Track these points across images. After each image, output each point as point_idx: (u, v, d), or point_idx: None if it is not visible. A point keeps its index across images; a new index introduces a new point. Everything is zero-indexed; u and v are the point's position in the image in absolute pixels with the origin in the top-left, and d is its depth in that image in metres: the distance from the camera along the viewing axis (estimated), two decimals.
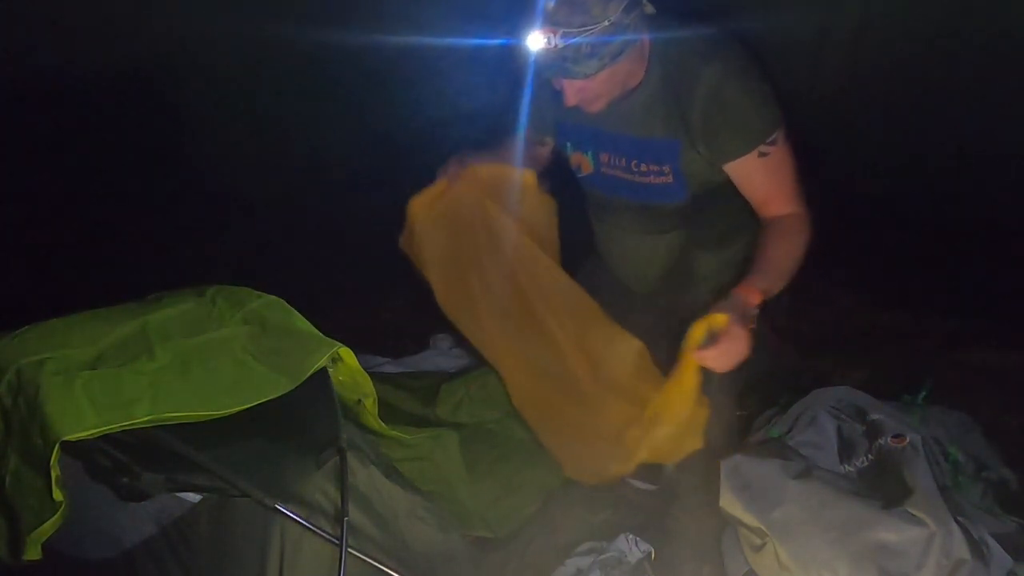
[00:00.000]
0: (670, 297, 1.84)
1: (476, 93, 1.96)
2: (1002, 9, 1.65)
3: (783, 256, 1.60)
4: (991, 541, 1.30)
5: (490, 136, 1.85)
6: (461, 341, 2.02)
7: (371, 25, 2.43)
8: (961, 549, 1.26)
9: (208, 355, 1.32)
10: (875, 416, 1.53)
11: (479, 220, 1.79)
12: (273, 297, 1.49)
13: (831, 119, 1.76)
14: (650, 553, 1.59)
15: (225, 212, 2.65)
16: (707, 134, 1.59)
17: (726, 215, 1.75)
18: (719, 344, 1.42)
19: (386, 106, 2.68)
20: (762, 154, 1.58)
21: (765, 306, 1.55)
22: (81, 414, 1.15)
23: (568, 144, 1.84)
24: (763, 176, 1.61)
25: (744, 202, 1.70)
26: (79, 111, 2.29)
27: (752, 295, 1.50)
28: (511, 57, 1.73)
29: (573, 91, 1.57)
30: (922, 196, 2.28)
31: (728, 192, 1.70)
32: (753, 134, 1.57)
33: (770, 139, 1.57)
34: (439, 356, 2.25)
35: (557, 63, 1.48)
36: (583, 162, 1.83)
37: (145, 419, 1.18)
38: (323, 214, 2.86)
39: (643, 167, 1.69)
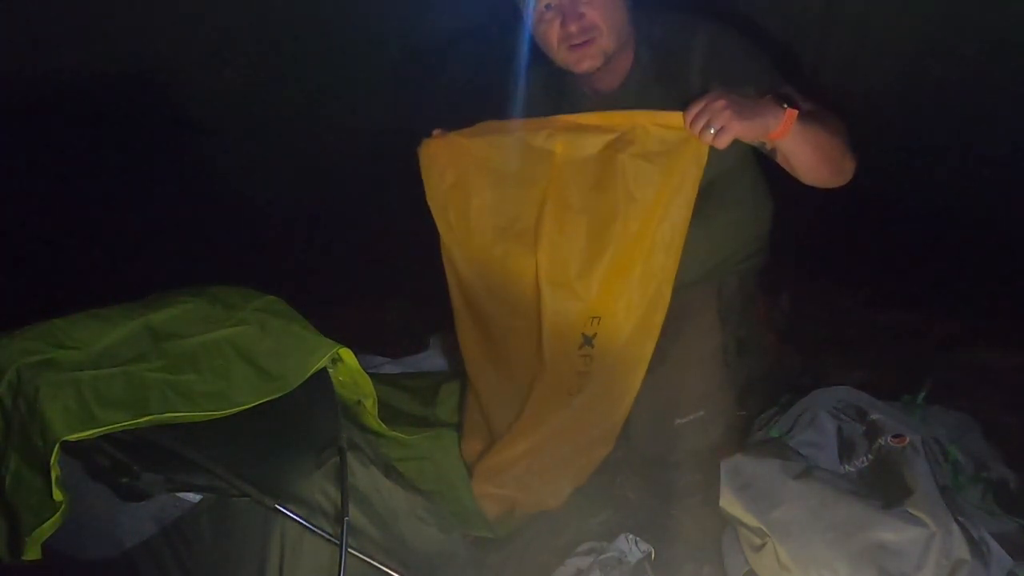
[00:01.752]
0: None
1: (477, 94, 1.96)
2: (1003, 5, 1.66)
3: (824, 113, 1.52)
4: (991, 541, 1.30)
5: None
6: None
7: (374, 25, 2.43)
8: (961, 549, 1.26)
9: (208, 355, 1.32)
10: (875, 416, 1.53)
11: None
12: (273, 297, 1.49)
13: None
14: (650, 553, 1.59)
15: (225, 212, 2.65)
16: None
17: (732, 208, 1.74)
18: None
19: (388, 106, 2.67)
20: (782, 95, 1.53)
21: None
22: (81, 414, 1.16)
23: None
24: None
25: (749, 196, 1.69)
26: (79, 110, 2.29)
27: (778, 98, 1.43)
28: (513, 58, 1.74)
29: (572, 11, 1.55)
30: (922, 195, 2.28)
31: (734, 181, 1.69)
32: (766, 81, 1.55)
33: (780, 82, 1.56)
34: (439, 356, 2.25)
35: None
36: None
37: (145, 419, 1.19)
38: (323, 214, 2.86)
39: None
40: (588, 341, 1.70)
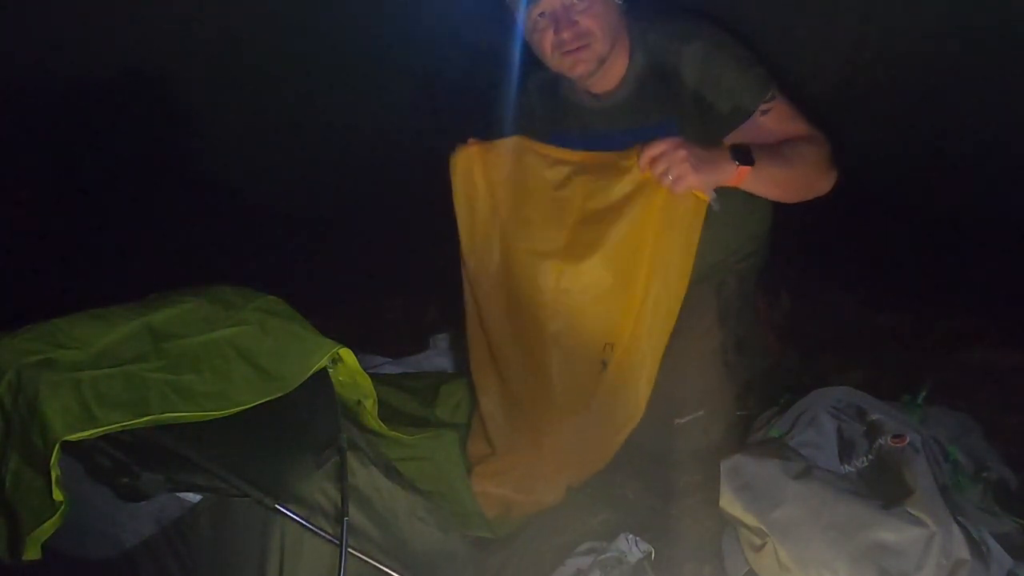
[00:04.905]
0: None
1: (476, 93, 1.96)
2: (1004, 5, 1.66)
3: (786, 145, 1.57)
4: (991, 541, 1.30)
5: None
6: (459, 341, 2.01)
7: (371, 25, 2.43)
8: (961, 549, 1.26)
9: (208, 355, 1.32)
10: (875, 416, 1.53)
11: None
12: (273, 297, 1.49)
13: (830, 118, 1.76)
14: (650, 553, 1.59)
15: (225, 212, 2.65)
16: (704, 111, 1.60)
17: (731, 208, 1.75)
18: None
19: (385, 107, 2.68)
20: (764, 112, 1.61)
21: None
22: (81, 414, 1.15)
23: None
24: (771, 130, 1.62)
25: (748, 195, 1.69)
26: (79, 111, 2.29)
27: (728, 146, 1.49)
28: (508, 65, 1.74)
29: (566, 18, 1.57)
30: (923, 195, 2.28)
31: None
32: (750, 97, 1.60)
33: (767, 97, 1.59)
34: (439, 356, 2.25)
35: None
36: None
37: (145, 419, 1.18)
38: (323, 214, 2.86)
39: None
40: (603, 365, 1.72)
